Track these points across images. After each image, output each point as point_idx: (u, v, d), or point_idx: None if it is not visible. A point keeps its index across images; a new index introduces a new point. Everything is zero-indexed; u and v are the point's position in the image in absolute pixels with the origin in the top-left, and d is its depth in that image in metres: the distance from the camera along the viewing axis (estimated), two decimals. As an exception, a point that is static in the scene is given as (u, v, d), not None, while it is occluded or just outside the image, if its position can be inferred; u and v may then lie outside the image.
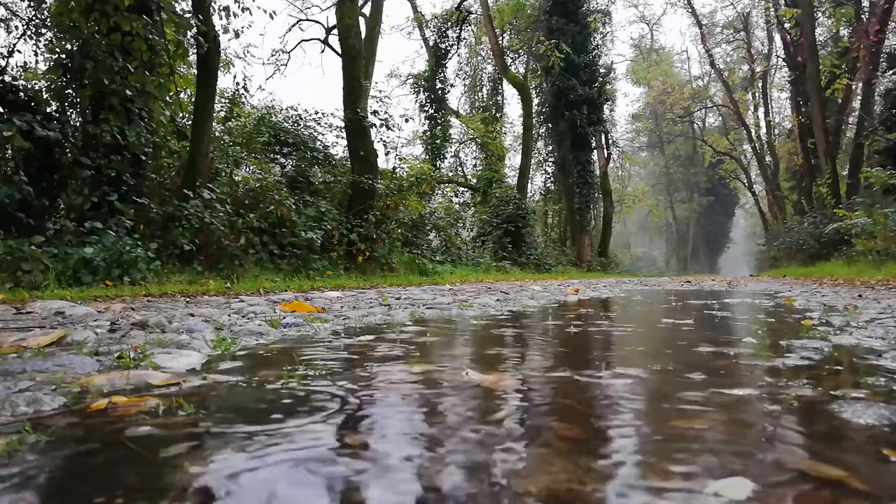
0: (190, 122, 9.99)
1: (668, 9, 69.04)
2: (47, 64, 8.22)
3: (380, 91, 18.07)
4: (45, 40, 8.61)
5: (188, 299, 5.14)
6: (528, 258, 21.14)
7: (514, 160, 31.66)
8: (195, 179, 8.67)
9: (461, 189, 26.37)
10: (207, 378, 1.54)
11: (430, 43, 28.17)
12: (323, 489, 0.80)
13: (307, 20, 22.21)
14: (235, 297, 5.54)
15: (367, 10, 17.10)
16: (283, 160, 13.54)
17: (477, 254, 18.90)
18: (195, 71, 9.93)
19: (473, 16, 27.98)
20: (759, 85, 35.18)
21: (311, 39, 30.97)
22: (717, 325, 3.14)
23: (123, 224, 7.13)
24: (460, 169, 30.25)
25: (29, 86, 7.92)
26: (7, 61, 8.01)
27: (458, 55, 30.22)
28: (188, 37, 9.06)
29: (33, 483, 0.82)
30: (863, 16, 21.39)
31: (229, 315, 3.35)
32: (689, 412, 1.19)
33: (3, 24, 8.78)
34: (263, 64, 34.46)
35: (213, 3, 9.35)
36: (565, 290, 8.07)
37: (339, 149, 14.96)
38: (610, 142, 31.59)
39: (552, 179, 30.82)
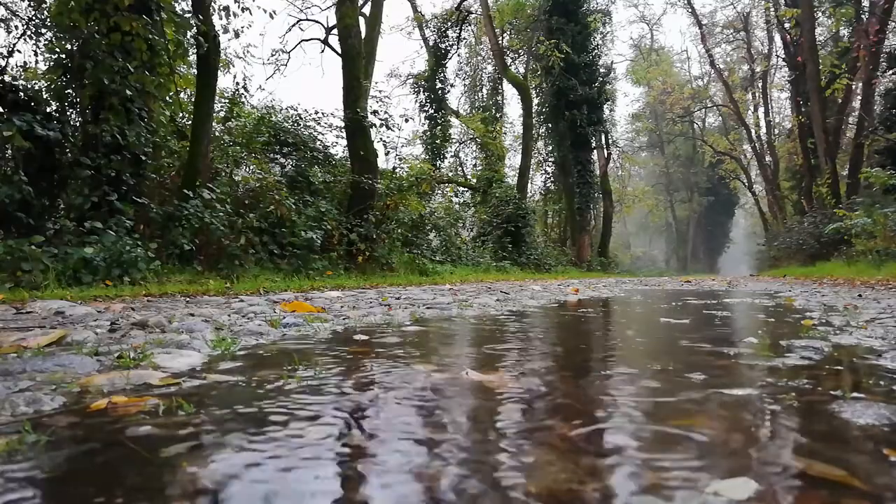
0: (190, 122, 9.98)
1: (668, 9, 68.93)
2: (47, 64, 8.21)
3: (380, 91, 18.05)
4: (45, 40, 8.60)
5: (188, 299, 5.14)
6: (528, 258, 21.13)
7: (514, 160, 31.66)
8: (195, 179, 8.66)
9: (461, 189, 26.34)
10: (207, 378, 1.54)
11: (430, 43, 28.14)
12: (322, 489, 0.80)
13: (307, 20, 22.14)
14: (235, 296, 5.54)
15: (367, 9, 17.08)
16: (283, 160, 13.52)
17: (477, 254, 18.89)
18: (195, 71, 9.92)
19: (473, 16, 27.95)
20: (759, 85, 35.17)
21: (311, 39, 31.01)
22: (717, 325, 3.14)
23: (123, 224, 7.12)
24: (460, 169, 30.23)
25: (29, 86, 7.91)
26: (7, 61, 8.00)
27: (458, 55, 30.24)
28: (188, 37, 9.05)
29: (33, 483, 0.82)
30: (863, 16, 21.37)
31: (229, 315, 3.35)
32: (689, 412, 1.19)
33: (3, 24, 8.76)
34: (263, 64, 34.41)
35: (213, 3, 9.34)
36: (565, 290, 8.07)
37: (339, 149, 14.95)
38: (610, 142, 31.57)
39: (552, 179, 30.80)
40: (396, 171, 16.37)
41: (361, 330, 2.77)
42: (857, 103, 23.03)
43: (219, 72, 10.00)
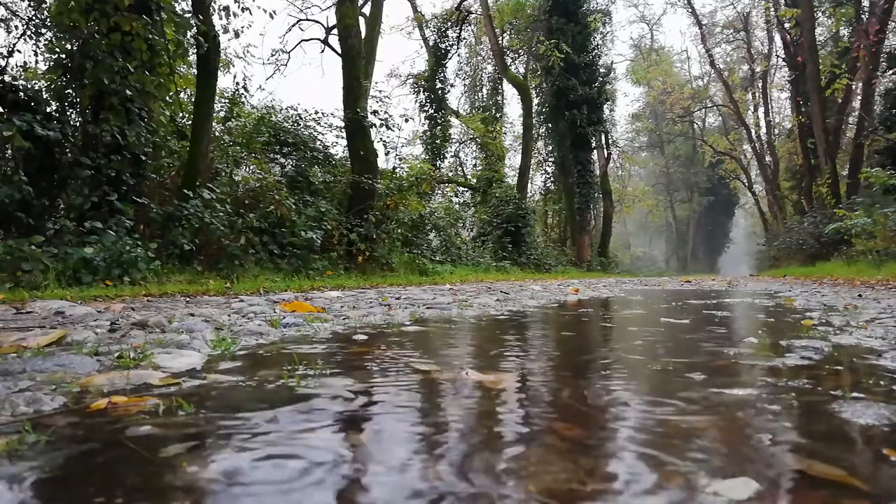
0: (190, 122, 9.98)
1: (668, 9, 69.02)
2: (47, 64, 8.21)
3: (380, 91, 18.04)
4: (45, 40, 8.59)
5: (188, 299, 5.14)
6: (528, 258, 21.13)
7: (514, 160, 31.67)
8: (195, 179, 8.66)
9: (461, 189, 26.34)
10: (207, 378, 1.54)
11: (430, 43, 28.14)
12: (321, 490, 0.80)
13: (307, 20, 22.13)
14: (235, 296, 5.54)
15: (367, 9, 17.08)
16: (283, 160, 13.52)
17: (477, 254, 18.89)
18: (195, 71, 9.92)
19: (473, 16, 27.95)
20: (759, 85, 35.19)
21: (311, 39, 30.99)
22: (717, 325, 3.14)
23: (123, 224, 7.12)
24: (460, 169, 30.23)
25: (29, 86, 7.91)
26: (7, 61, 8.00)
27: (458, 55, 30.24)
28: (188, 37, 9.05)
29: (33, 483, 0.82)
30: (863, 16, 21.38)
31: (229, 315, 3.35)
32: (689, 412, 1.19)
33: (3, 24, 8.76)
34: (263, 64, 34.37)
35: (213, 3, 9.34)
36: (565, 289, 8.07)
37: (339, 149, 14.95)
38: (610, 142, 31.58)
39: (552, 179, 30.82)
40: (396, 171, 16.36)
41: (361, 330, 2.77)
42: (857, 103, 23.04)
43: (219, 72, 10.00)
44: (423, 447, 0.98)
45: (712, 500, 0.75)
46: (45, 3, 8.43)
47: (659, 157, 54.16)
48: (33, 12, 8.66)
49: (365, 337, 2.49)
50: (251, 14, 26.12)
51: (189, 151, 9.13)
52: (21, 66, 8.64)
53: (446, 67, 28.17)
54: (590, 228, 29.03)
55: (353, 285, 8.73)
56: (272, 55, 21.88)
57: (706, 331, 2.87)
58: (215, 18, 9.32)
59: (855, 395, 1.33)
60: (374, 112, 13.60)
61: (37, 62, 8.74)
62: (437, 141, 26.77)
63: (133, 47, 7.56)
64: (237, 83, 14.37)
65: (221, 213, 8.57)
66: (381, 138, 14.12)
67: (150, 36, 7.77)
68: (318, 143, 14.21)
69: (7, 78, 7.62)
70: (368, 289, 7.97)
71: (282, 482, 0.81)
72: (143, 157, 7.94)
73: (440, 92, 27.49)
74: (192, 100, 10.24)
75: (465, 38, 29.34)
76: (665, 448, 0.96)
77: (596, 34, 28.00)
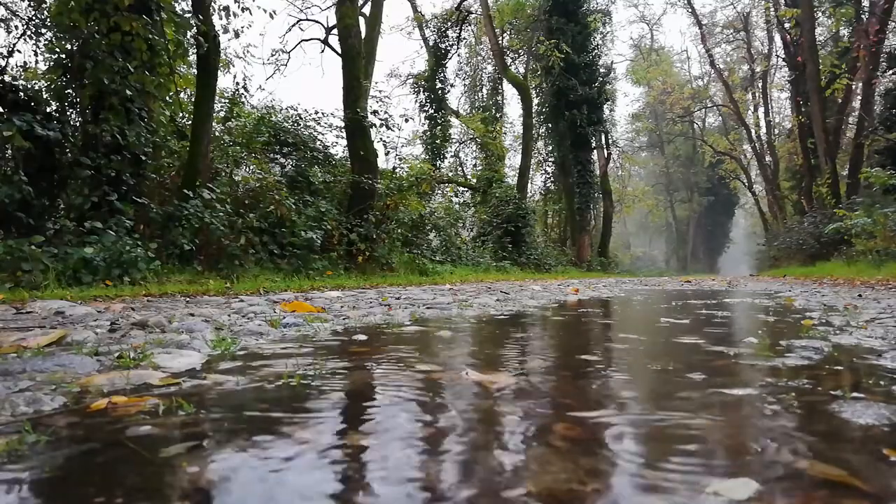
0: (190, 122, 9.98)
1: (668, 9, 69.00)
2: (47, 64, 8.21)
3: (380, 91, 18.04)
4: (45, 40, 8.59)
5: (188, 299, 5.14)
6: (528, 258, 21.13)
7: (514, 160, 31.68)
8: (195, 179, 8.66)
9: (461, 189, 26.34)
10: (207, 378, 1.54)
11: (430, 43, 28.14)
12: (321, 489, 0.80)
13: (307, 20, 22.12)
14: (235, 296, 5.54)
15: (367, 9, 17.07)
16: (283, 160, 13.52)
17: (477, 254, 18.89)
18: (195, 71, 9.92)
19: (473, 16, 27.96)
20: (759, 85, 35.19)
21: (311, 39, 31.05)
22: (717, 325, 3.14)
23: (123, 224, 7.12)
24: (460, 169, 30.23)
25: (29, 86, 7.91)
26: (7, 61, 8.00)
27: (458, 55, 30.25)
28: (188, 37, 9.05)
29: (33, 483, 0.82)
30: (863, 16, 21.37)
31: (229, 315, 3.35)
32: (689, 412, 1.19)
33: (3, 24, 8.76)
34: (263, 64, 34.34)
35: (213, 3, 9.34)
36: (565, 289, 8.07)
37: (339, 149, 14.95)
38: (610, 142, 31.59)
39: (552, 179, 30.82)
40: (396, 171, 16.36)
41: (361, 330, 2.77)
42: (857, 103, 23.03)
43: (219, 72, 9.99)
44: (422, 449, 0.98)
45: (712, 500, 0.75)
46: (45, 3, 8.43)
47: (659, 157, 54.15)
48: (33, 12, 8.65)
49: (365, 337, 2.48)
50: (251, 14, 26.15)
51: (189, 151, 9.13)
52: (21, 66, 8.64)
53: (446, 67, 28.19)
54: (590, 228, 29.04)
55: (353, 285, 8.73)
56: (272, 55, 21.89)
57: (706, 331, 2.87)
58: (215, 18, 9.32)
59: (855, 395, 1.33)
60: (374, 112, 13.60)
61: (37, 62, 8.74)
62: (437, 141, 26.77)
63: (133, 47, 7.56)
64: (237, 83, 14.38)
65: (221, 213, 8.57)
66: (381, 138, 14.13)
67: (150, 36, 7.77)
68: (318, 143, 14.21)
69: (7, 78, 7.62)
70: (368, 289, 7.97)
71: (282, 482, 0.81)
72: (143, 157, 7.94)
73: (440, 92, 27.49)
74: (192, 100, 10.24)
75: (465, 38, 29.37)
76: (665, 448, 0.96)
77: (596, 34, 28.00)
